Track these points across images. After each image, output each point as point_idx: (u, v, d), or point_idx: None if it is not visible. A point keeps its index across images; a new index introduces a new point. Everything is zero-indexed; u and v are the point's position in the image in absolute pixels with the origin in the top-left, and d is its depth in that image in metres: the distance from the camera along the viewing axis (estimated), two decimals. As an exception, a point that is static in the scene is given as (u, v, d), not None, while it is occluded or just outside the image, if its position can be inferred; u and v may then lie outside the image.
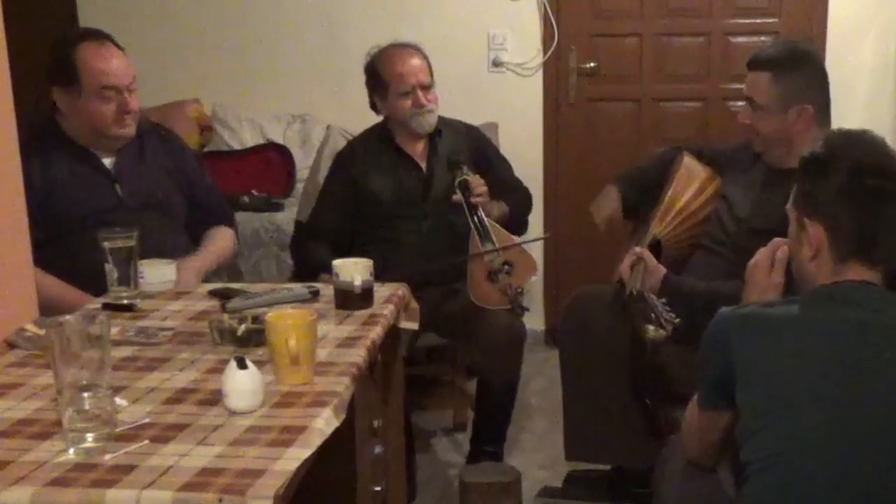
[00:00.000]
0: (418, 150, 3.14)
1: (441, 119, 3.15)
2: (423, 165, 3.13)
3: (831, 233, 1.65)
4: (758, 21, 4.12)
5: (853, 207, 1.63)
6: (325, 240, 3.07)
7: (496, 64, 4.24)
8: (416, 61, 3.06)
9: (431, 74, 3.09)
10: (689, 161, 2.77)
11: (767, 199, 2.51)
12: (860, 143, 1.70)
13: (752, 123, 2.53)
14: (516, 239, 3.02)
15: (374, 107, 3.16)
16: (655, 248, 2.63)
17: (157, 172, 2.70)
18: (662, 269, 2.50)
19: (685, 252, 2.68)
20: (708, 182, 2.72)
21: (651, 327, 2.20)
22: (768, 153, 2.56)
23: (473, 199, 2.93)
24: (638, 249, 2.53)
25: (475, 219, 2.92)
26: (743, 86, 2.59)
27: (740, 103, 4.27)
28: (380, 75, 3.08)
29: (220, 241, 2.77)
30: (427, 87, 3.05)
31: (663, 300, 2.28)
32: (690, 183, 2.71)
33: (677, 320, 2.19)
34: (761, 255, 1.92)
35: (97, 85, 2.53)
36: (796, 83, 2.47)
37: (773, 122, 2.48)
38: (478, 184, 2.96)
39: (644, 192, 2.84)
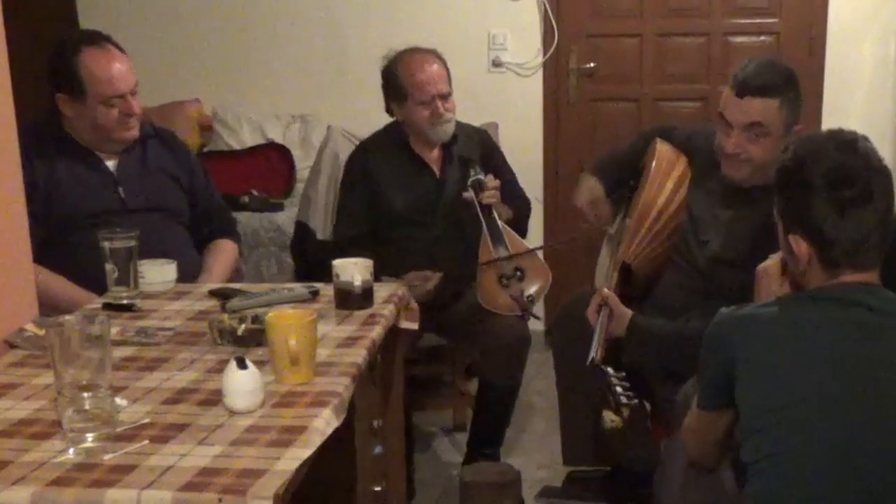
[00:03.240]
0: (433, 155, 3.09)
1: (456, 123, 3.08)
2: (437, 171, 3.08)
3: (817, 247, 1.63)
4: (758, 21, 4.12)
5: (834, 222, 1.60)
6: (364, 247, 2.87)
7: (496, 64, 4.25)
8: (436, 69, 2.98)
9: (450, 81, 3.02)
10: (662, 149, 2.68)
11: (729, 223, 2.45)
12: (827, 150, 1.64)
13: (748, 151, 2.38)
14: (528, 245, 2.98)
15: (389, 111, 3.10)
16: (626, 270, 2.57)
17: (159, 176, 2.70)
18: (628, 314, 2.44)
19: (658, 269, 2.62)
20: (683, 178, 2.63)
21: (608, 416, 2.10)
22: (750, 179, 2.42)
23: (485, 198, 2.88)
24: (606, 292, 2.46)
25: (488, 220, 2.88)
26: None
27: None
28: (398, 82, 2.99)
29: (222, 262, 2.75)
30: (445, 97, 2.98)
31: (622, 374, 2.19)
32: (665, 182, 2.62)
33: (634, 401, 2.10)
34: (771, 261, 1.91)
35: (103, 94, 2.53)
36: (797, 104, 2.40)
37: (776, 147, 2.32)
38: (492, 183, 2.92)
39: (621, 181, 2.77)
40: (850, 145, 1.65)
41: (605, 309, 2.43)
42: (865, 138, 1.67)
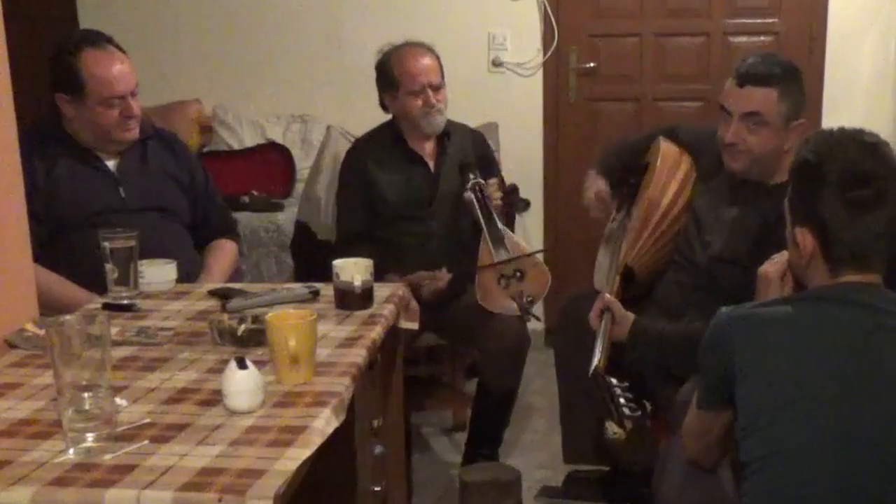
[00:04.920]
0: (427, 149, 3.11)
1: (449, 121, 3.12)
2: (432, 165, 3.10)
3: (822, 243, 1.64)
4: (758, 21, 4.12)
5: (843, 221, 1.61)
6: (367, 242, 2.97)
7: (496, 64, 4.25)
8: (427, 61, 3.03)
9: (442, 75, 3.06)
10: (666, 148, 2.68)
11: (732, 224, 2.46)
12: (848, 149, 1.64)
13: (746, 142, 2.39)
14: (526, 246, 2.97)
15: (383, 105, 3.13)
16: (628, 272, 2.56)
17: (160, 176, 2.71)
18: (630, 317, 2.43)
19: (659, 270, 2.61)
20: (687, 179, 2.64)
21: (610, 427, 2.08)
22: (748, 171, 2.44)
23: (493, 204, 2.90)
24: (608, 297, 2.45)
25: (488, 223, 2.88)
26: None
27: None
28: (391, 73, 3.05)
29: (222, 262, 2.75)
30: (437, 88, 3.02)
31: (626, 384, 2.18)
32: (669, 183, 2.62)
33: (638, 412, 2.08)
34: (771, 265, 1.91)
35: (102, 95, 2.53)
36: (797, 98, 2.40)
37: (775, 140, 2.37)
38: (494, 189, 2.94)
39: (624, 177, 2.77)
40: (871, 147, 1.65)
41: (607, 314, 2.43)
42: (887, 144, 1.67)
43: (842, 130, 1.70)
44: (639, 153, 2.78)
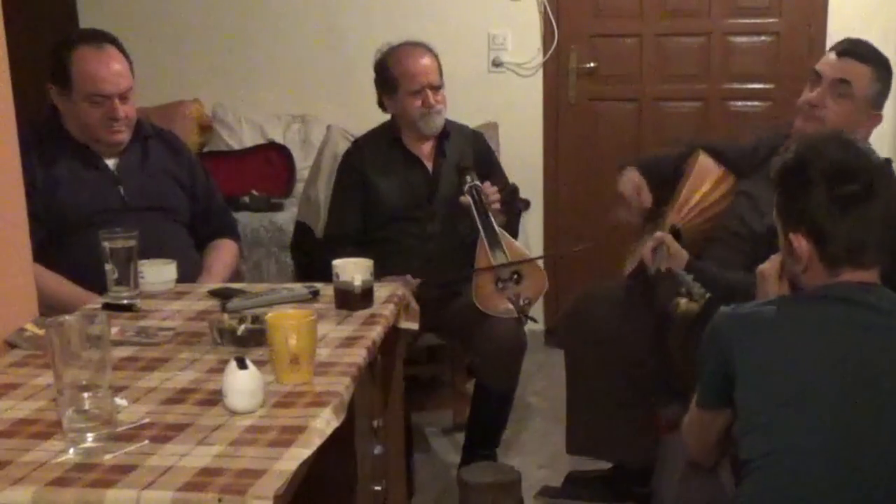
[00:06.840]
0: (425, 150, 3.11)
1: (448, 122, 3.11)
2: (430, 166, 3.09)
3: (818, 244, 1.64)
4: (758, 21, 4.12)
5: (835, 217, 1.62)
6: (355, 243, 2.96)
7: (496, 64, 4.25)
8: (427, 61, 3.02)
9: (441, 75, 3.05)
10: (703, 159, 2.73)
11: None
12: (828, 148, 1.67)
13: (827, 107, 2.42)
14: (525, 249, 2.97)
15: (381, 105, 3.13)
16: (675, 233, 2.58)
17: (160, 176, 2.71)
18: (685, 254, 2.45)
19: (700, 245, 2.63)
20: (722, 180, 2.68)
21: (682, 301, 2.11)
22: None
23: (489, 207, 2.89)
24: (660, 234, 2.49)
25: (486, 225, 2.88)
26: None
27: (740, 103, 4.24)
28: (390, 73, 3.04)
29: (222, 262, 2.75)
30: (436, 88, 3.02)
31: (692, 275, 2.21)
32: (704, 180, 2.67)
33: (708, 294, 2.12)
34: (770, 263, 1.91)
35: (86, 91, 2.54)
36: (885, 89, 2.46)
37: (852, 117, 2.39)
38: (491, 191, 2.93)
39: (659, 179, 2.79)
40: (850, 144, 1.68)
41: (662, 248, 2.46)
42: (863, 140, 1.70)
43: (819, 133, 1.75)
44: (679, 161, 2.79)
